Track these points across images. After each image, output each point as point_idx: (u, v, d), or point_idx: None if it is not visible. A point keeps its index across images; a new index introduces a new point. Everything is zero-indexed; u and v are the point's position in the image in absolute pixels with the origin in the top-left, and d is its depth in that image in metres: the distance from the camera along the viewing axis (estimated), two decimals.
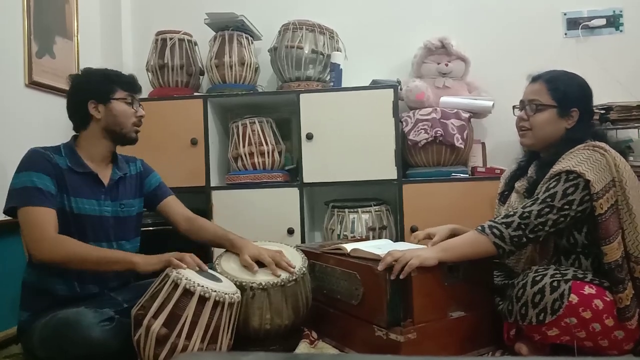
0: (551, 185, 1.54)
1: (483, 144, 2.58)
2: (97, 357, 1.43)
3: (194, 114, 2.46)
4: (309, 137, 2.39)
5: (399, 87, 2.46)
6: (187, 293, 1.43)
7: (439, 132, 2.34)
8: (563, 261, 1.61)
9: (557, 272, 1.48)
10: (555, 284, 1.44)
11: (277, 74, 2.62)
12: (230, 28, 2.56)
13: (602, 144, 1.57)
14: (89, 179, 1.69)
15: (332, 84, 2.52)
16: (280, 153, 2.52)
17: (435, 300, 1.55)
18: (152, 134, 2.36)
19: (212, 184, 2.46)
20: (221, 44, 2.54)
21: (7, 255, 1.95)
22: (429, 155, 2.41)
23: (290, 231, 2.37)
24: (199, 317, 1.42)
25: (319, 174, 2.40)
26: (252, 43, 2.63)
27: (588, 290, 1.45)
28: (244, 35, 2.58)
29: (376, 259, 1.58)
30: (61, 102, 1.75)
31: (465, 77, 2.58)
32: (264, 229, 2.30)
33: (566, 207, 1.51)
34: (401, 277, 1.48)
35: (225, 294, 1.46)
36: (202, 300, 1.43)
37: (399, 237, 2.36)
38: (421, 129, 2.37)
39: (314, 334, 1.75)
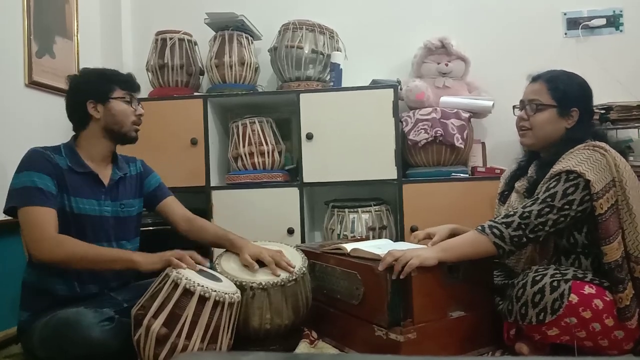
0: (551, 185, 1.54)
1: (483, 144, 2.58)
2: (97, 357, 1.43)
3: (194, 114, 2.46)
4: (309, 137, 2.39)
5: (399, 87, 2.46)
6: (187, 293, 1.43)
7: (439, 132, 2.34)
8: (563, 261, 1.61)
9: (557, 272, 1.48)
10: (555, 283, 1.44)
11: (277, 74, 2.62)
12: (230, 28, 2.56)
13: (603, 144, 1.57)
14: (89, 179, 1.69)
15: (332, 83, 2.52)
16: (280, 153, 2.52)
17: (435, 300, 1.55)
18: (152, 134, 2.36)
19: (212, 184, 2.46)
20: (221, 43, 2.54)
21: (7, 255, 1.95)
22: (429, 155, 2.41)
23: (290, 231, 2.37)
24: (199, 316, 1.42)
25: (319, 174, 2.40)
26: (252, 43, 2.63)
27: (588, 290, 1.45)
28: (244, 35, 2.58)
29: (376, 259, 1.58)
30: (61, 102, 1.75)
31: (465, 77, 2.58)
32: (264, 229, 2.30)
33: (566, 207, 1.51)
34: (401, 277, 1.48)
35: (225, 293, 1.46)
36: (202, 300, 1.43)
37: (399, 237, 2.36)
38: (421, 128, 2.37)
39: (314, 334, 1.75)
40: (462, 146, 2.36)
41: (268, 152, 2.46)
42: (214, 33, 2.61)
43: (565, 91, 1.65)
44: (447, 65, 2.51)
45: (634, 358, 1.48)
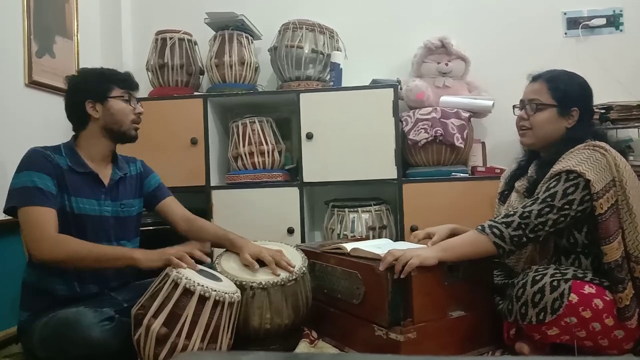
0: (551, 185, 1.54)
1: (483, 144, 2.58)
2: (97, 356, 1.43)
3: (194, 114, 2.46)
4: (309, 136, 2.39)
5: (399, 87, 2.46)
6: (187, 292, 1.43)
7: (439, 131, 2.34)
8: (563, 261, 1.61)
9: (557, 271, 1.48)
10: (555, 283, 1.44)
11: (277, 74, 2.62)
12: (230, 27, 2.56)
13: (603, 144, 1.57)
14: (90, 179, 1.69)
15: (332, 83, 2.52)
16: (280, 152, 2.52)
17: (435, 300, 1.55)
18: (152, 133, 2.36)
19: (212, 184, 2.46)
20: (221, 43, 2.54)
21: (7, 255, 1.95)
22: (429, 154, 2.41)
23: (290, 231, 2.37)
24: (199, 316, 1.42)
25: (319, 174, 2.40)
26: (252, 42, 2.63)
27: (588, 289, 1.45)
28: (244, 34, 2.58)
29: (376, 259, 1.58)
30: (61, 102, 1.74)
31: (465, 76, 2.58)
32: (264, 229, 2.30)
33: (566, 206, 1.51)
34: (402, 276, 1.48)
35: (225, 293, 1.46)
36: (202, 299, 1.43)
37: (399, 236, 2.36)
38: (421, 128, 2.37)
39: (314, 334, 1.75)
40: (462, 146, 2.36)
41: (268, 152, 2.46)
42: (214, 33, 2.61)
43: (565, 91, 1.65)
44: (447, 65, 2.51)
45: (634, 358, 1.48)
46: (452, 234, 1.75)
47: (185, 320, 1.41)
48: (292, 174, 2.56)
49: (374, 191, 2.56)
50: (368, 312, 1.57)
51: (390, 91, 2.37)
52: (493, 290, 1.72)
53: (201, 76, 2.69)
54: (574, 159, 1.54)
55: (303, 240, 2.38)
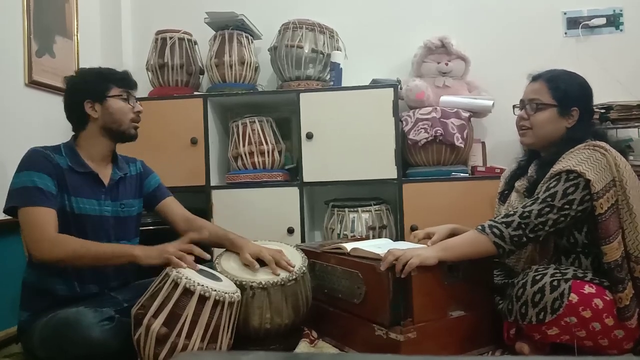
0: (551, 185, 1.54)
1: (483, 144, 2.58)
2: (97, 356, 1.43)
3: (194, 114, 2.46)
4: (309, 136, 2.39)
5: (399, 87, 2.46)
6: (187, 292, 1.43)
7: (439, 131, 2.34)
8: (563, 260, 1.61)
9: (557, 271, 1.48)
10: (555, 283, 1.44)
11: (277, 73, 2.62)
12: (230, 27, 2.56)
13: (603, 144, 1.57)
14: (90, 179, 1.69)
15: (332, 83, 2.52)
16: (280, 152, 2.52)
17: (435, 300, 1.55)
18: (152, 133, 2.36)
19: (212, 184, 2.46)
20: (221, 43, 2.54)
21: (7, 255, 1.95)
22: (429, 154, 2.41)
23: (290, 230, 2.37)
24: (199, 316, 1.42)
25: (319, 174, 2.40)
26: (252, 42, 2.63)
27: (588, 289, 1.45)
28: (244, 34, 2.58)
29: (376, 258, 1.58)
30: (61, 102, 1.75)
31: (465, 76, 2.58)
32: (264, 229, 2.30)
33: (566, 206, 1.51)
34: (402, 276, 1.49)
35: (225, 293, 1.46)
36: (202, 299, 1.43)
37: (399, 236, 2.36)
38: (421, 128, 2.37)
39: (314, 333, 1.75)
40: (462, 146, 2.36)
41: (268, 152, 2.46)
42: (214, 32, 2.61)
43: (565, 91, 1.65)
44: (447, 64, 2.51)
45: (634, 358, 1.48)
46: (452, 234, 1.75)
47: (185, 320, 1.41)
48: (292, 174, 2.56)
49: (374, 191, 2.56)
50: (369, 312, 1.57)
51: (390, 91, 2.37)
52: (493, 290, 1.72)
53: (201, 76, 2.69)
54: (574, 159, 1.54)
55: (303, 240, 2.38)
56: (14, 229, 1.64)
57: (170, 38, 2.56)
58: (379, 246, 1.71)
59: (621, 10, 2.59)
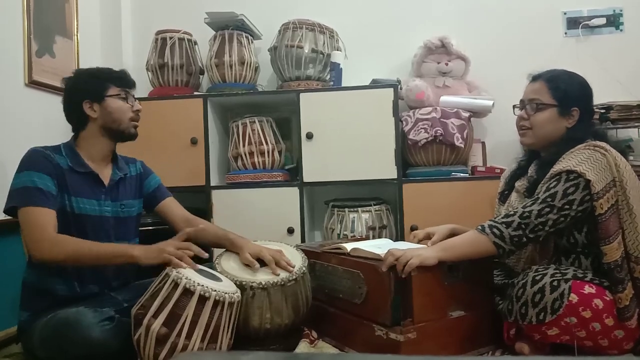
0: (551, 185, 1.54)
1: (483, 144, 2.58)
2: (97, 356, 1.43)
3: (194, 114, 2.46)
4: (309, 136, 2.39)
5: (399, 87, 2.46)
6: (187, 292, 1.43)
7: (439, 131, 2.34)
8: (563, 261, 1.61)
9: (557, 271, 1.48)
10: (555, 283, 1.44)
11: (277, 73, 2.62)
12: (230, 27, 2.56)
13: (603, 144, 1.57)
14: (90, 179, 1.69)
15: (332, 83, 2.52)
16: (280, 152, 2.52)
17: (435, 300, 1.55)
18: (152, 133, 2.36)
19: (212, 184, 2.46)
20: (221, 43, 2.54)
21: (7, 255, 1.95)
22: (429, 154, 2.41)
23: (290, 230, 2.37)
24: (199, 316, 1.42)
25: (319, 174, 2.40)
26: (252, 42, 2.63)
27: (588, 289, 1.45)
28: (244, 34, 2.58)
29: (376, 259, 1.58)
30: (61, 102, 1.75)
31: (465, 76, 2.58)
32: (264, 229, 2.30)
33: (566, 207, 1.51)
34: (402, 276, 1.49)
35: (225, 293, 1.46)
36: (202, 299, 1.43)
37: (399, 236, 2.36)
38: (421, 128, 2.37)
39: (314, 334, 1.75)
40: (462, 146, 2.36)
41: (268, 152, 2.46)
42: (214, 32, 2.61)
43: (565, 91, 1.65)
44: (447, 64, 2.51)
45: (634, 358, 1.48)
46: (452, 234, 1.75)
47: (185, 320, 1.41)
48: (292, 174, 2.56)
49: (374, 191, 2.56)
50: (370, 312, 1.57)
51: (390, 91, 2.37)
52: (493, 290, 1.72)
53: (201, 76, 2.69)
54: (574, 159, 1.54)
55: (303, 240, 2.38)
56: (14, 229, 1.64)
57: (170, 38, 2.56)
58: (379, 246, 1.71)
59: (621, 10, 2.59)
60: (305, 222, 2.41)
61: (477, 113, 2.49)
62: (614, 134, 2.27)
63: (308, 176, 2.40)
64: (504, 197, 1.83)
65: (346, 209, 2.41)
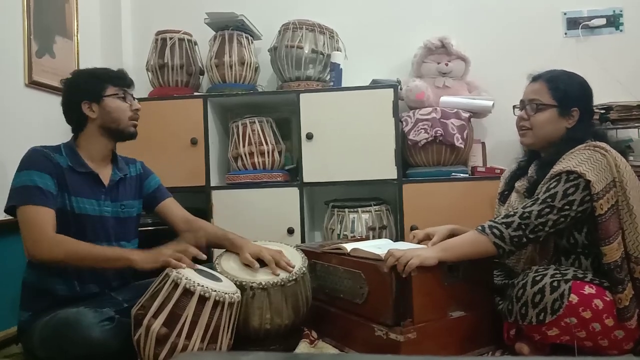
0: (552, 186, 1.54)
1: (483, 144, 2.58)
2: (97, 356, 1.43)
3: (194, 114, 2.46)
4: (309, 136, 2.39)
5: (399, 87, 2.46)
6: (187, 293, 1.43)
7: (439, 131, 2.34)
8: (563, 261, 1.61)
9: (557, 272, 1.48)
10: (555, 283, 1.44)
11: (277, 74, 2.62)
12: (230, 28, 2.56)
13: (603, 144, 1.57)
14: (90, 179, 1.69)
15: (332, 83, 2.52)
16: (280, 153, 2.52)
17: (435, 300, 1.55)
18: (152, 133, 2.36)
19: (212, 184, 2.46)
20: (221, 43, 2.54)
21: (7, 255, 1.95)
22: (429, 155, 2.41)
23: (290, 231, 2.37)
24: (199, 316, 1.42)
25: (319, 174, 2.40)
26: (252, 43, 2.63)
27: (588, 290, 1.45)
28: (243, 35, 2.58)
29: (377, 259, 1.58)
30: (60, 103, 1.75)
31: (465, 76, 2.58)
32: (264, 229, 2.30)
33: (566, 207, 1.51)
34: (403, 276, 1.49)
35: (225, 293, 1.46)
36: (202, 299, 1.43)
37: (399, 236, 2.36)
38: (421, 128, 2.37)
39: (314, 334, 1.75)
40: (462, 146, 2.36)
41: (268, 152, 2.46)
42: (214, 33, 2.61)
43: (565, 91, 1.65)
44: (447, 65, 2.51)
45: (634, 358, 1.48)
46: (452, 235, 1.75)
47: (185, 321, 1.41)
48: (292, 174, 2.56)
49: (374, 191, 2.56)
50: (371, 312, 1.57)
51: (390, 91, 2.37)
52: (493, 291, 1.72)
53: (201, 76, 2.69)
54: (574, 160, 1.54)
55: (303, 240, 2.38)
56: (14, 229, 1.64)
57: (170, 38, 2.56)
58: (379, 246, 1.71)
59: (621, 11, 2.59)
60: (305, 222, 2.41)
61: (477, 113, 2.49)
62: (614, 134, 2.27)
63: (308, 176, 2.40)
64: (504, 197, 1.83)
65: (346, 209, 2.41)
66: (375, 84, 2.46)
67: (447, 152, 2.39)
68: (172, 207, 1.87)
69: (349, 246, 1.74)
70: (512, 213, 1.55)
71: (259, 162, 2.46)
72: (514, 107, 1.79)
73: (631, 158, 2.07)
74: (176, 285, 1.44)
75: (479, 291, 1.65)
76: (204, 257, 1.62)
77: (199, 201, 2.40)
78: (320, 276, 1.80)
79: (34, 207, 1.55)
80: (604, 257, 1.48)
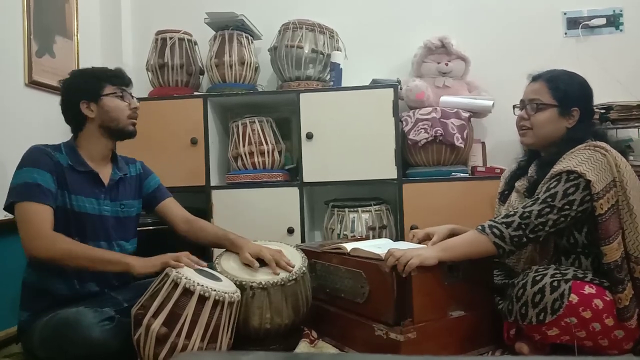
0: (552, 185, 1.54)
1: (483, 144, 2.58)
2: (97, 356, 1.43)
3: (194, 114, 2.46)
4: (309, 136, 2.39)
5: (399, 87, 2.46)
6: (187, 292, 1.43)
7: (439, 131, 2.34)
8: (563, 261, 1.61)
9: (557, 271, 1.48)
10: (555, 283, 1.44)
11: (277, 74, 2.62)
12: (230, 27, 2.56)
13: (603, 144, 1.57)
14: (89, 178, 1.69)
15: (332, 83, 2.52)
16: (280, 152, 2.52)
17: (435, 300, 1.55)
18: (152, 133, 2.36)
19: (212, 184, 2.46)
20: (221, 43, 2.54)
21: (7, 255, 1.95)
22: (429, 154, 2.41)
23: (290, 231, 2.37)
24: (198, 316, 1.42)
25: (319, 174, 2.40)
26: (252, 42, 2.63)
27: (588, 290, 1.45)
28: (244, 34, 2.58)
29: (377, 258, 1.58)
30: (59, 104, 1.75)
31: (465, 76, 2.58)
32: (264, 229, 2.30)
33: (567, 207, 1.51)
34: (403, 276, 1.49)
35: (225, 293, 1.46)
36: (202, 299, 1.43)
37: (399, 236, 2.36)
38: (421, 128, 2.37)
39: (314, 334, 1.75)
40: (462, 146, 2.36)
41: (268, 152, 2.46)
42: (214, 33, 2.61)
43: (566, 91, 1.65)
44: (447, 64, 2.51)
45: (634, 358, 1.48)
46: (452, 234, 1.75)
47: (185, 320, 1.41)
48: (292, 174, 2.56)
49: (374, 191, 2.56)
50: (372, 311, 1.57)
51: (390, 91, 2.37)
52: (493, 290, 1.72)
53: (201, 76, 2.69)
54: (574, 159, 1.54)
55: (303, 240, 2.38)
56: (14, 228, 1.64)
57: (170, 38, 2.56)
58: (379, 246, 1.71)
59: (621, 11, 2.59)
60: (305, 222, 2.41)
61: (477, 113, 2.49)
62: (614, 134, 2.27)
63: (308, 176, 2.40)
64: (504, 197, 1.83)
65: (346, 209, 2.41)
66: (375, 84, 2.46)
67: (447, 152, 2.39)
68: (172, 207, 1.87)
69: (349, 246, 1.74)
70: (512, 213, 1.55)
71: (259, 162, 2.46)
72: (514, 106, 1.79)
73: (631, 158, 2.06)
74: (176, 284, 1.44)
75: (479, 291, 1.65)
76: (204, 264, 1.61)
77: (199, 201, 2.40)
78: (320, 276, 1.80)
79: (32, 204, 1.54)
80: (604, 257, 1.48)
